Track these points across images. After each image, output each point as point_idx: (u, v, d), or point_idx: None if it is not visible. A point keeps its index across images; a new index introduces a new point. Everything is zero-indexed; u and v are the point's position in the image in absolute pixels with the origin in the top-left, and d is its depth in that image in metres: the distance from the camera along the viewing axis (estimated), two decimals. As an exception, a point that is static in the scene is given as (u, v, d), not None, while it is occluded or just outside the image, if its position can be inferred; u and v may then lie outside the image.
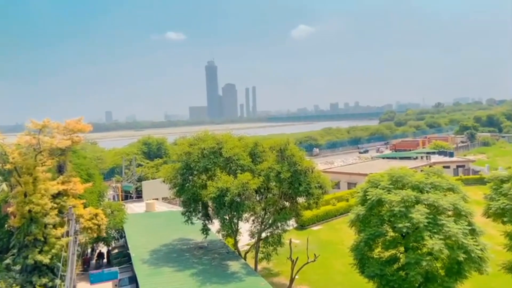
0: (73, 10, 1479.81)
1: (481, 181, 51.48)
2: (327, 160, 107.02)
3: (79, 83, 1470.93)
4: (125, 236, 38.10)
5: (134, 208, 51.67)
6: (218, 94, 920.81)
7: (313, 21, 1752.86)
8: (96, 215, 30.45)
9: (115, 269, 34.11)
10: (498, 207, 24.92)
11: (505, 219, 25.02)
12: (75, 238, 26.16)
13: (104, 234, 33.19)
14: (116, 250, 40.96)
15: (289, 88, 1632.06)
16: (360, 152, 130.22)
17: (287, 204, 30.23)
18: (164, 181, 31.64)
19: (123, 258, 37.34)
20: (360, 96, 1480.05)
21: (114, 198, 61.01)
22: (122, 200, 58.27)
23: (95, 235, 30.88)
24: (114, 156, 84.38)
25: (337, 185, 62.92)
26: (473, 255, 20.52)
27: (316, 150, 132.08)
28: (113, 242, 41.11)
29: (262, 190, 29.14)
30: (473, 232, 21.71)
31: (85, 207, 30.52)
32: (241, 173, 27.85)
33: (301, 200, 30.29)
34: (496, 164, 79.70)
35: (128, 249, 34.35)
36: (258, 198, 29.59)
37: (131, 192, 62.18)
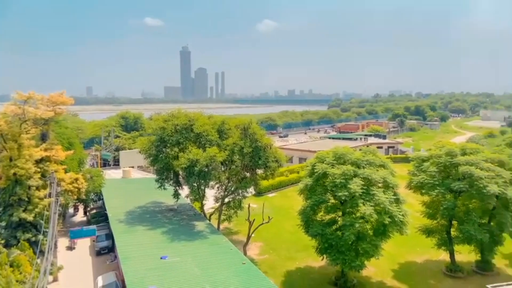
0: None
1: (406, 160, 53.71)
2: (283, 138, 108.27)
3: (62, 59, 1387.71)
4: (103, 199, 37.21)
5: (111, 174, 50.28)
6: (191, 77, 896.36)
7: (276, 17, 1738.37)
8: (76, 179, 29.47)
9: (93, 227, 33.36)
10: (418, 181, 26.64)
11: (423, 191, 26.83)
12: (57, 199, 25.30)
13: (84, 196, 32.25)
14: (94, 211, 39.98)
15: (254, 75, 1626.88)
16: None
17: (247, 174, 30.52)
18: (140, 152, 31.08)
19: (101, 217, 36.57)
20: (313, 85, 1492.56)
21: (93, 165, 58.93)
22: (101, 167, 56.34)
23: (75, 197, 29.98)
24: (93, 128, 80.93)
25: (290, 160, 64.20)
26: (396, 219, 21.85)
27: (280, 129, 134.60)
28: (91, 203, 40.05)
29: (227, 162, 29.22)
30: (397, 201, 23.02)
31: (66, 172, 29.41)
32: (209, 147, 27.74)
33: (259, 171, 30.71)
34: (419, 147, 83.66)
35: (105, 210, 33.64)
36: (223, 169, 29.70)
37: (109, 160, 60.19)
